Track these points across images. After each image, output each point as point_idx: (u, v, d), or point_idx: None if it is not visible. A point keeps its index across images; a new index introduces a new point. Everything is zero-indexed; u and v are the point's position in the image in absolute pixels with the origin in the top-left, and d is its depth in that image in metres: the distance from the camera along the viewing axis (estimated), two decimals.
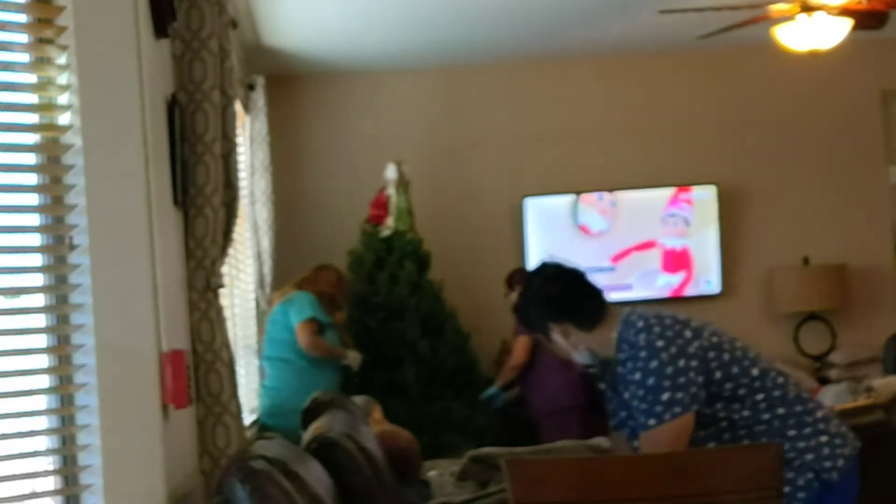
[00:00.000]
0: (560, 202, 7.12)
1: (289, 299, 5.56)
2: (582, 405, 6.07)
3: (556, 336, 3.04)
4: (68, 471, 2.51)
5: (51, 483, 2.48)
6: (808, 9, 5.00)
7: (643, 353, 2.85)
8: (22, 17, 2.54)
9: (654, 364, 2.83)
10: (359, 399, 4.92)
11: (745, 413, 2.89)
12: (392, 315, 6.29)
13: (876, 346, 6.64)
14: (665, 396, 2.81)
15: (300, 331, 5.42)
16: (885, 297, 7.24)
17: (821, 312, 7.13)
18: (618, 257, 7.16)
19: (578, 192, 7.11)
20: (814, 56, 5.33)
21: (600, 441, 4.75)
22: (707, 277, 7.19)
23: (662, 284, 7.16)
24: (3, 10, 2.50)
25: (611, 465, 2.57)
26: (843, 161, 7.26)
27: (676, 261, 7.20)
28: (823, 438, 2.90)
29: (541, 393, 6.08)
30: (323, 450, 3.54)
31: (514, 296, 6.26)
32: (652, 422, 2.81)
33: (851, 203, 7.26)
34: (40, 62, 2.55)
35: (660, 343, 2.84)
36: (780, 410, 2.90)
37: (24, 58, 2.53)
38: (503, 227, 7.17)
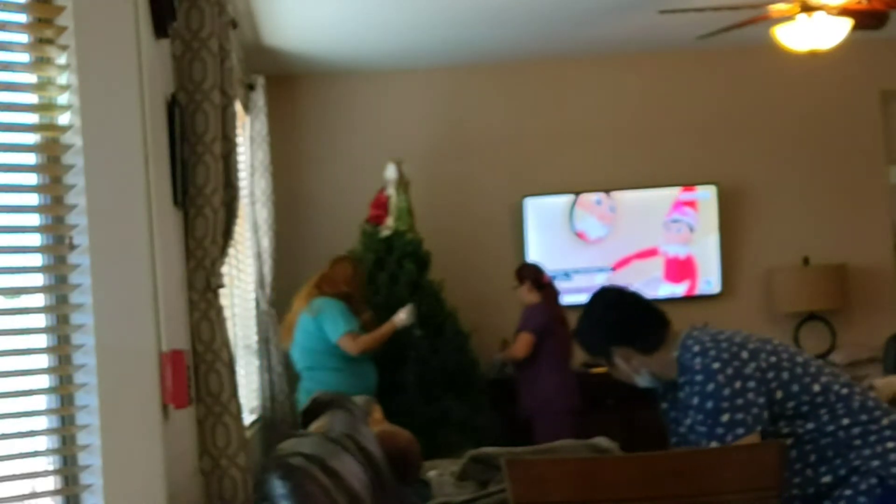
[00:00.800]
0: (560, 202, 7.12)
1: (319, 312, 5.65)
2: (573, 408, 6.09)
3: (618, 360, 3.07)
4: (68, 471, 2.51)
5: (51, 483, 2.48)
6: (808, 9, 5.00)
7: (699, 378, 2.86)
8: (22, 17, 2.54)
9: (710, 387, 2.83)
10: (359, 399, 4.92)
11: (810, 426, 2.90)
12: (392, 315, 6.29)
13: (876, 346, 6.64)
14: (725, 418, 2.81)
15: (344, 344, 5.59)
16: (885, 297, 7.24)
17: (821, 312, 7.13)
18: (618, 265, 7.16)
19: (578, 193, 7.11)
20: (814, 56, 5.33)
21: (600, 440, 4.76)
22: (707, 277, 7.19)
23: (665, 294, 7.13)
24: (3, 10, 2.49)
25: (611, 465, 2.57)
26: (843, 161, 7.26)
27: (680, 270, 7.18)
28: (890, 444, 2.89)
29: (533, 393, 6.09)
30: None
31: (524, 290, 6.27)
32: (714, 444, 2.81)
33: (851, 203, 7.26)
34: (40, 62, 2.55)
35: (716, 365, 2.84)
36: (845, 421, 2.90)
37: (24, 58, 2.53)
38: (503, 227, 7.18)
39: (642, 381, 3.09)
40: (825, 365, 3.00)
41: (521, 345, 6.11)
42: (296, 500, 2.71)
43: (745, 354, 2.88)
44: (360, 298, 5.90)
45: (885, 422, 2.93)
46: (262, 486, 2.73)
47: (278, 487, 2.71)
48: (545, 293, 6.31)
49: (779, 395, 2.88)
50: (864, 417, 2.91)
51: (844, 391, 2.94)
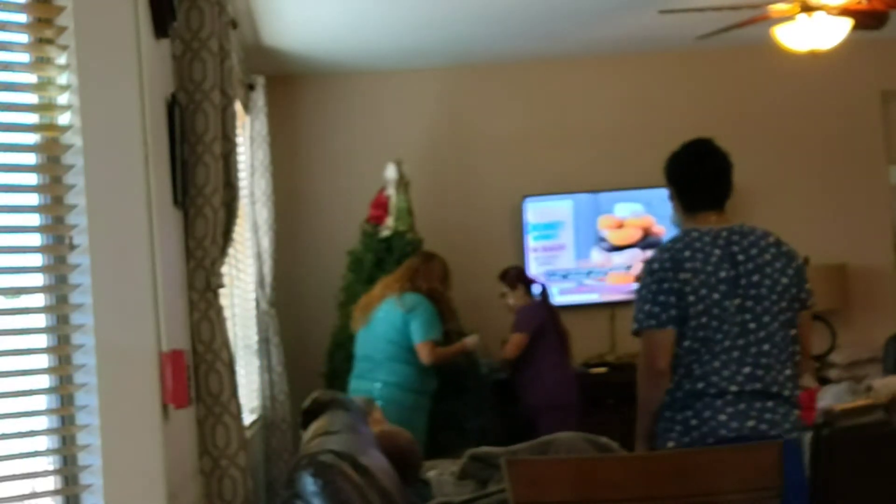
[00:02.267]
0: (560, 202, 7.13)
1: (412, 309, 5.70)
2: (575, 402, 6.09)
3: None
4: (68, 471, 2.51)
5: (51, 483, 2.48)
6: (808, 9, 5.00)
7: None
8: (22, 17, 2.54)
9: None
10: (359, 399, 4.93)
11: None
12: None
13: (876, 346, 6.64)
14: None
15: (422, 350, 5.66)
16: (885, 297, 7.24)
17: (821, 312, 7.11)
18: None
19: (577, 193, 7.11)
20: (814, 56, 5.33)
21: (602, 441, 4.75)
22: None
23: None
24: (3, 10, 2.50)
25: (611, 465, 2.57)
26: (843, 161, 7.26)
27: None
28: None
29: (534, 391, 6.10)
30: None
31: (518, 295, 6.25)
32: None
33: (851, 203, 7.25)
34: (40, 62, 2.55)
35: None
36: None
37: (24, 58, 2.54)
38: (503, 227, 7.18)
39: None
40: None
41: (511, 346, 6.13)
42: (327, 497, 2.71)
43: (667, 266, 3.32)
44: (449, 300, 5.97)
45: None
46: (294, 483, 2.73)
47: (310, 485, 2.71)
48: (539, 297, 6.34)
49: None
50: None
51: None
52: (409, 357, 5.68)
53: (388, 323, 5.74)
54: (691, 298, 3.27)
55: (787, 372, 3.31)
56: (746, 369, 3.24)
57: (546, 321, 6.16)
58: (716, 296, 3.27)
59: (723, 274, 3.30)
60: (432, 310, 5.74)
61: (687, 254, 3.32)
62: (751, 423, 3.22)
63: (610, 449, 4.50)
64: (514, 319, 6.23)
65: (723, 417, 3.22)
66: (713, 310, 3.26)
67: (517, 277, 6.33)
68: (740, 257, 3.34)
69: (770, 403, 3.26)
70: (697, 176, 3.61)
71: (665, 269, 3.31)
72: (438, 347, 5.73)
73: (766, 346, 3.27)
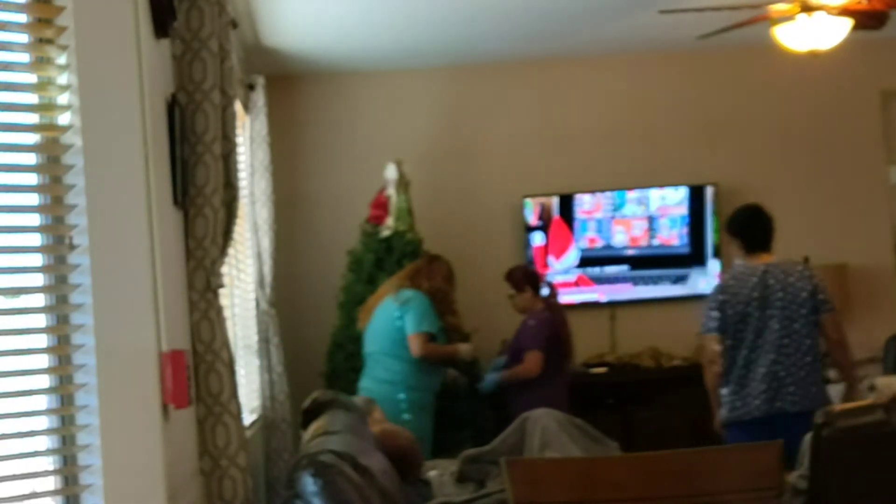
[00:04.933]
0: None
1: (407, 301, 5.68)
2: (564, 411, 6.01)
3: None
4: (68, 471, 2.51)
5: (51, 483, 2.48)
6: (808, 9, 4.99)
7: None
8: (22, 17, 2.54)
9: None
10: (359, 399, 4.93)
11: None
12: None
13: (876, 346, 6.64)
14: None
15: (413, 341, 5.63)
16: (885, 297, 7.24)
17: None
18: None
19: (578, 192, 7.11)
20: (814, 56, 5.32)
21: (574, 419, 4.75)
22: (707, 277, 7.18)
23: (665, 293, 7.15)
24: (3, 10, 2.50)
25: (611, 465, 2.57)
26: (843, 161, 7.26)
27: (679, 270, 7.19)
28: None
29: (524, 402, 5.95)
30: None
31: (525, 298, 6.13)
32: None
33: (851, 203, 7.26)
34: (40, 62, 2.55)
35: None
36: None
37: (24, 58, 2.53)
38: (503, 227, 7.18)
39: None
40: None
41: (532, 365, 5.91)
42: (327, 497, 2.71)
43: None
44: (452, 299, 5.95)
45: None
46: (294, 483, 2.73)
47: (310, 484, 2.71)
48: (547, 298, 6.23)
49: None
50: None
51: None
52: (405, 353, 5.65)
53: (384, 317, 5.75)
54: (730, 312, 4.80)
55: (802, 360, 4.75)
56: (770, 356, 4.73)
57: (556, 333, 6.02)
58: (749, 309, 4.78)
59: (755, 294, 4.79)
60: (427, 304, 5.71)
61: (731, 282, 4.90)
62: (777, 404, 4.71)
63: (585, 430, 4.51)
64: (523, 332, 6.04)
65: (756, 402, 4.74)
66: (747, 319, 4.78)
67: (524, 279, 6.18)
68: (771, 281, 4.81)
69: (791, 388, 4.72)
70: (750, 230, 5.01)
71: (715, 293, 4.93)
72: (431, 343, 5.69)
73: (786, 341, 4.74)
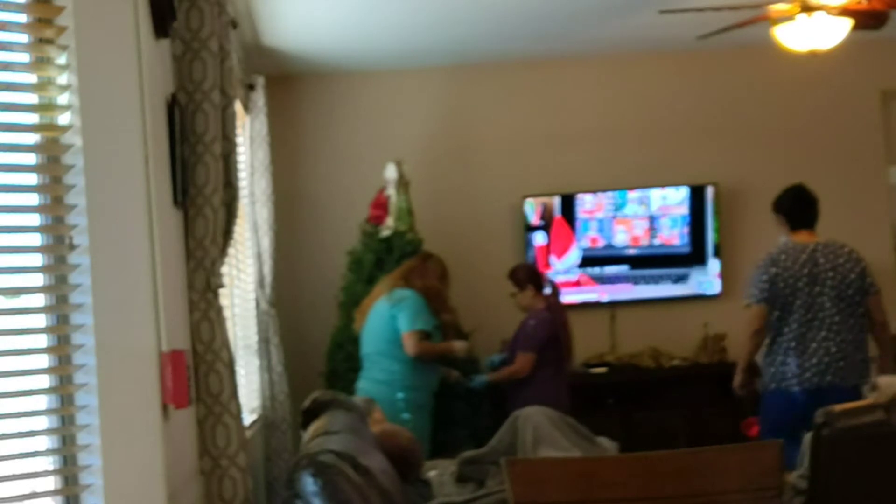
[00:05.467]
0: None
1: (400, 301, 5.67)
2: (565, 411, 6.00)
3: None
4: (68, 471, 2.51)
5: (51, 483, 2.48)
6: (808, 9, 4.99)
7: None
8: (22, 17, 2.54)
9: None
10: (359, 399, 4.93)
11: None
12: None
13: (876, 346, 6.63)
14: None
15: (407, 340, 5.61)
16: (885, 296, 7.22)
17: None
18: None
19: (578, 193, 7.11)
20: (814, 56, 5.33)
21: (601, 441, 4.75)
22: (707, 277, 7.19)
23: (665, 293, 7.15)
24: (3, 10, 2.49)
25: (611, 465, 2.57)
26: (843, 161, 7.26)
27: (679, 270, 7.19)
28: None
29: (523, 400, 5.94)
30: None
31: (527, 296, 6.12)
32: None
33: (851, 203, 7.25)
34: (40, 62, 2.55)
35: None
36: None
37: (24, 58, 2.53)
38: (503, 227, 7.18)
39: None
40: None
41: (522, 366, 5.94)
42: (327, 497, 2.71)
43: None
44: (446, 297, 5.94)
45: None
46: (294, 483, 2.73)
47: (310, 484, 2.71)
48: (549, 297, 6.22)
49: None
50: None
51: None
52: (400, 353, 5.64)
53: (378, 317, 5.75)
54: (781, 285, 5.09)
55: (851, 336, 5.13)
56: (822, 333, 5.08)
57: (555, 334, 6.01)
58: (799, 284, 5.09)
59: (805, 270, 5.11)
60: (420, 302, 5.70)
61: (783, 257, 5.16)
62: (829, 378, 5.07)
63: (576, 428, 4.51)
64: (521, 332, 6.04)
65: (808, 374, 5.08)
66: (796, 293, 5.09)
67: (526, 277, 6.18)
68: (821, 260, 5.15)
69: (842, 363, 5.09)
70: (796, 209, 5.31)
71: (767, 265, 5.17)
72: (426, 342, 5.68)
73: (837, 318, 5.09)
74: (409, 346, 5.61)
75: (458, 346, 5.96)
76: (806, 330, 5.12)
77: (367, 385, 5.67)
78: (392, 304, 5.70)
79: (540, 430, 4.42)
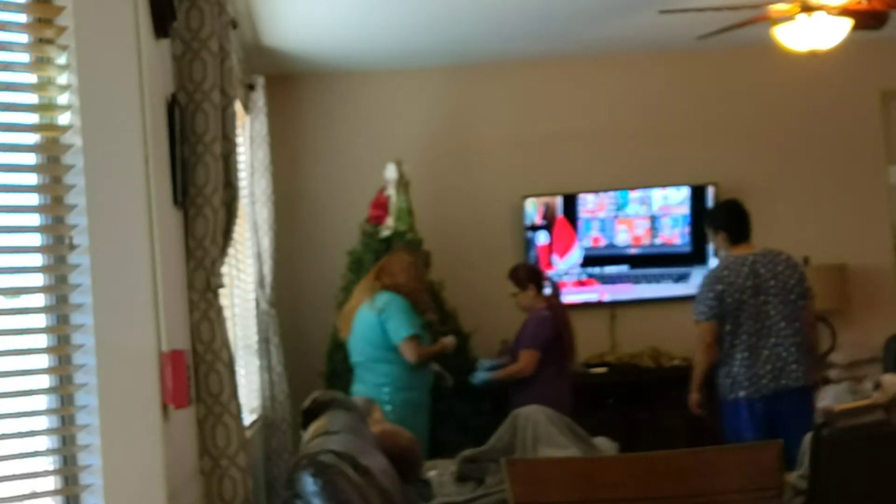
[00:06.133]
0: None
1: (383, 309, 5.60)
2: (567, 410, 6.00)
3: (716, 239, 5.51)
4: (68, 471, 2.51)
5: (51, 483, 2.48)
6: (808, 9, 4.99)
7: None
8: (22, 17, 2.54)
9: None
10: (359, 399, 4.93)
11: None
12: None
13: (876, 346, 6.63)
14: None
15: (404, 349, 5.57)
16: (885, 297, 7.24)
17: (821, 312, 7.11)
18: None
19: (579, 193, 7.12)
20: (814, 56, 5.33)
21: (601, 441, 4.76)
22: None
23: (666, 293, 7.16)
24: (3, 10, 2.49)
25: (611, 465, 2.57)
26: (843, 161, 7.26)
27: (680, 270, 7.20)
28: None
29: (525, 399, 5.92)
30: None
31: (528, 296, 6.09)
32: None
33: (851, 203, 7.25)
34: (40, 62, 2.55)
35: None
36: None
37: (24, 58, 2.53)
38: (503, 227, 7.17)
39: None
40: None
41: (526, 364, 5.90)
42: (327, 497, 2.71)
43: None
44: (423, 290, 5.86)
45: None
46: (294, 483, 2.74)
47: (310, 484, 2.72)
48: (550, 297, 6.20)
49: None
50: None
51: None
52: (392, 356, 5.61)
53: (365, 326, 5.68)
54: (728, 300, 5.23)
55: (799, 339, 5.26)
56: (772, 340, 5.23)
57: (557, 333, 6.00)
58: (744, 297, 5.23)
59: (749, 283, 5.24)
60: (404, 305, 5.64)
61: (725, 273, 5.29)
62: (783, 382, 5.21)
63: (573, 429, 4.52)
64: (523, 331, 6.02)
65: (764, 381, 5.21)
66: (743, 306, 5.22)
67: (527, 277, 6.14)
68: (762, 270, 5.27)
69: (793, 366, 5.22)
70: (735, 224, 5.42)
71: (712, 283, 5.31)
72: (421, 347, 5.63)
73: (783, 324, 5.24)
74: (409, 353, 5.58)
75: (448, 341, 5.93)
76: (756, 339, 5.26)
77: (362, 388, 5.64)
78: (377, 311, 5.63)
79: (539, 428, 4.42)
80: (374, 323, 5.64)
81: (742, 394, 5.25)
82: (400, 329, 5.58)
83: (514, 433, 4.50)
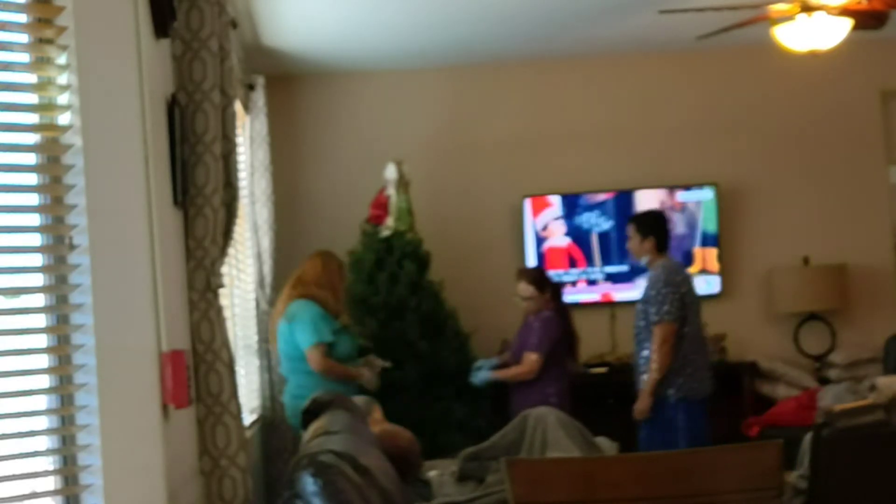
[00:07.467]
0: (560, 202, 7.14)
1: (293, 318, 5.43)
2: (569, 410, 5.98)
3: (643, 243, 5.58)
4: (68, 471, 2.51)
5: (51, 483, 2.48)
6: (808, 9, 5.00)
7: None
8: (22, 17, 2.54)
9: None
10: (359, 399, 4.92)
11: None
12: (392, 315, 6.28)
13: (876, 346, 6.64)
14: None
15: (310, 357, 5.36)
16: (885, 297, 7.24)
17: (821, 312, 7.13)
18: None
19: (580, 192, 7.12)
20: (814, 56, 5.33)
21: (601, 441, 4.76)
22: (707, 278, 7.19)
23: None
24: (3, 10, 2.49)
25: (611, 465, 2.57)
26: (843, 161, 7.26)
27: None
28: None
29: (524, 400, 5.89)
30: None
31: (544, 299, 6.04)
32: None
33: (851, 203, 7.25)
34: (40, 62, 2.55)
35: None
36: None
37: (24, 58, 2.53)
38: (503, 227, 7.18)
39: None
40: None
41: (532, 368, 5.84)
42: (327, 497, 2.71)
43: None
44: (337, 297, 5.63)
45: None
46: (294, 483, 2.74)
47: (310, 484, 2.72)
48: (554, 298, 6.16)
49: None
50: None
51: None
52: (304, 366, 5.41)
53: (280, 337, 5.54)
54: (688, 301, 5.44)
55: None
56: (704, 345, 5.68)
57: (560, 336, 5.97)
58: (692, 300, 5.49)
59: (691, 287, 5.56)
60: (314, 312, 5.42)
61: (678, 278, 5.48)
62: (714, 382, 5.54)
63: (583, 433, 4.52)
64: (528, 332, 5.96)
65: (707, 382, 5.51)
66: (691, 308, 5.48)
67: (545, 280, 6.06)
68: (688, 277, 5.68)
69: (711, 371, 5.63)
70: (663, 232, 5.63)
71: (676, 285, 5.42)
72: (329, 360, 5.37)
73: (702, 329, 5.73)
74: (313, 361, 5.34)
75: (367, 376, 5.58)
76: (699, 342, 5.57)
77: (287, 399, 5.52)
78: (288, 321, 5.46)
79: (549, 432, 4.40)
80: (286, 333, 5.47)
81: (698, 395, 5.46)
82: (307, 335, 5.38)
83: (523, 434, 4.49)
